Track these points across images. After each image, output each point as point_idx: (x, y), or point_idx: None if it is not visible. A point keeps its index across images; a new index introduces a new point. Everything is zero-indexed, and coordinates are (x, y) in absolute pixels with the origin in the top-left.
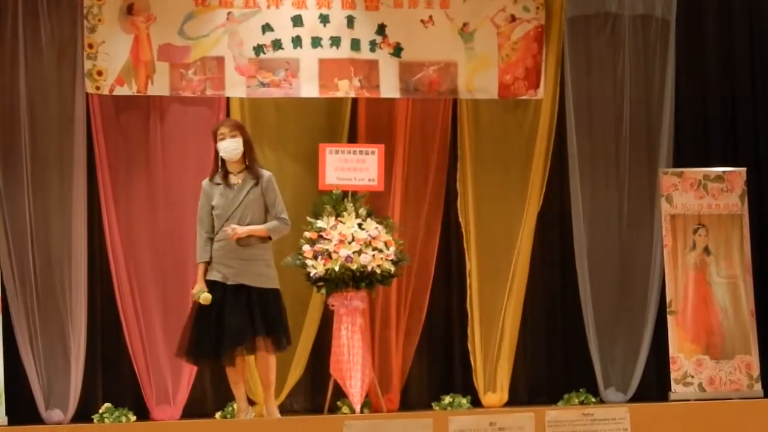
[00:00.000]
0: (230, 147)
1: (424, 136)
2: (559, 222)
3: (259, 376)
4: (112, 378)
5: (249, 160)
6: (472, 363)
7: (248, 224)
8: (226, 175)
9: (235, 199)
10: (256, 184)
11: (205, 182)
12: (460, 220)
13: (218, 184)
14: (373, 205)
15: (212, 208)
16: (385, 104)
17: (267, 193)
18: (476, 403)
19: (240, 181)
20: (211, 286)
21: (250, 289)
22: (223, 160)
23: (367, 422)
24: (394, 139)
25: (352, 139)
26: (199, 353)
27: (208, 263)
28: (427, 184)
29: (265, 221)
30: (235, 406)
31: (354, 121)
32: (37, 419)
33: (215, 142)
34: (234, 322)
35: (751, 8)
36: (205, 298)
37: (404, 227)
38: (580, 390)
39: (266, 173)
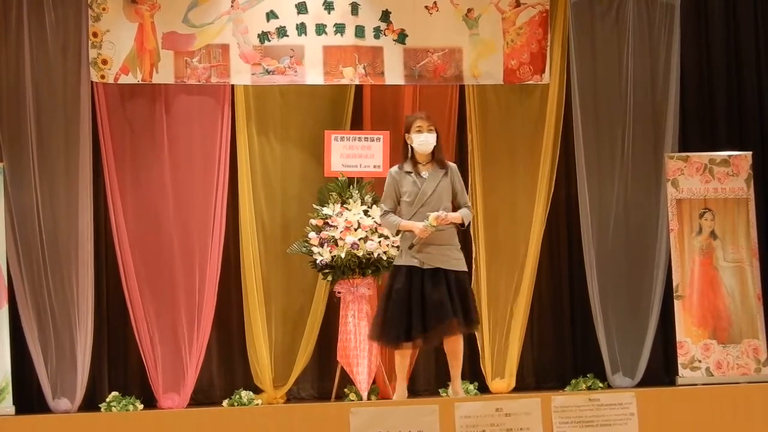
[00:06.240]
0: (429, 140)
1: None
2: (565, 207)
3: (448, 355)
4: (119, 367)
5: (437, 152)
6: (480, 349)
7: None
8: (415, 164)
9: (427, 188)
10: (445, 174)
11: (394, 170)
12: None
13: (408, 172)
14: (380, 192)
15: (400, 194)
16: (391, 90)
17: (455, 183)
18: (484, 389)
19: (429, 171)
20: (408, 270)
21: (447, 272)
22: (411, 149)
23: (374, 409)
24: (400, 126)
25: (357, 126)
26: (399, 335)
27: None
28: None
29: (452, 209)
30: (242, 393)
31: (360, 107)
32: (45, 408)
33: (407, 132)
34: (438, 302)
35: None
36: (434, 216)
37: None
38: (588, 375)
39: (452, 164)
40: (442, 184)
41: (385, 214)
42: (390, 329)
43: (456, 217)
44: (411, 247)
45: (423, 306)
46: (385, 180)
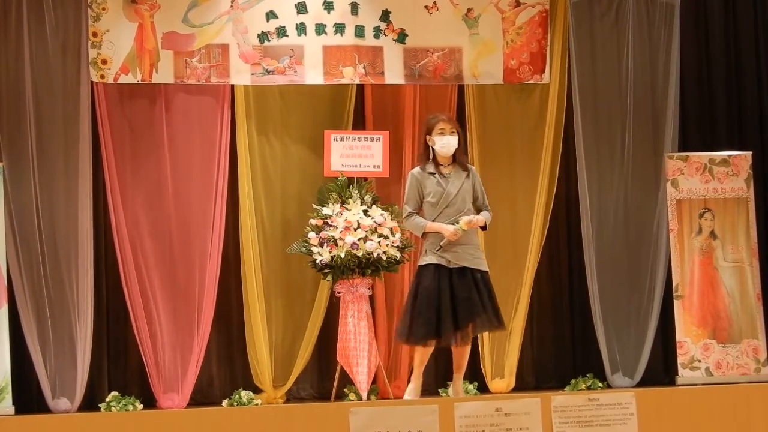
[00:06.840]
0: (451, 143)
1: None
2: (565, 207)
3: (454, 357)
4: (119, 366)
5: (459, 154)
6: (480, 349)
7: (464, 213)
8: (437, 165)
9: (452, 189)
10: (467, 176)
11: (417, 171)
12: None
13: (431, 173)
14: (380, 192)
15: (423, 195)
16: (391, 90)
17: (476, 185)
18: (483, 389)
19: (451, 172)
20: (435, 269)
21: (473, 271)
22: (433, 151)
23: (374, 409)
24: (401, 125)
25: (359, 125)
26: (427, 333)
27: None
28: None
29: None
30: (242, 393)
31: (361, 107)
32: (44, 408)
33: (429, 133)
34: (469, 298)
35: None
36: (465, 221)
37: None
38: (588, 375)
39: (472, 167)
40: (465, 186)
41: (409, 215)
42: (418, 328)
43: (481, 219)
44: (439, 249)
45: (453, 303)
46: (384, 180)
